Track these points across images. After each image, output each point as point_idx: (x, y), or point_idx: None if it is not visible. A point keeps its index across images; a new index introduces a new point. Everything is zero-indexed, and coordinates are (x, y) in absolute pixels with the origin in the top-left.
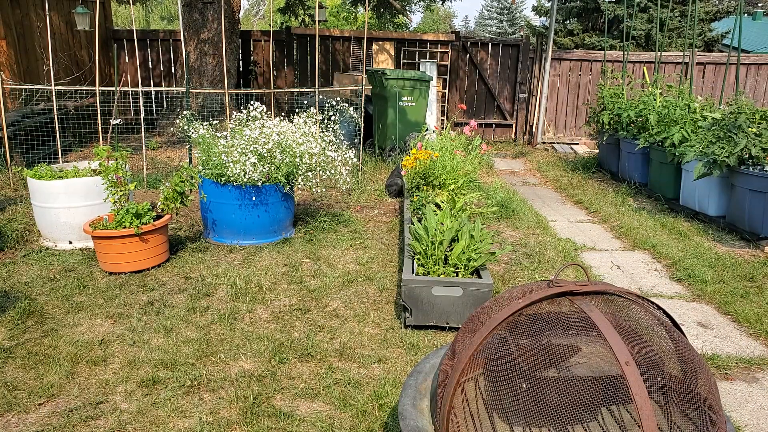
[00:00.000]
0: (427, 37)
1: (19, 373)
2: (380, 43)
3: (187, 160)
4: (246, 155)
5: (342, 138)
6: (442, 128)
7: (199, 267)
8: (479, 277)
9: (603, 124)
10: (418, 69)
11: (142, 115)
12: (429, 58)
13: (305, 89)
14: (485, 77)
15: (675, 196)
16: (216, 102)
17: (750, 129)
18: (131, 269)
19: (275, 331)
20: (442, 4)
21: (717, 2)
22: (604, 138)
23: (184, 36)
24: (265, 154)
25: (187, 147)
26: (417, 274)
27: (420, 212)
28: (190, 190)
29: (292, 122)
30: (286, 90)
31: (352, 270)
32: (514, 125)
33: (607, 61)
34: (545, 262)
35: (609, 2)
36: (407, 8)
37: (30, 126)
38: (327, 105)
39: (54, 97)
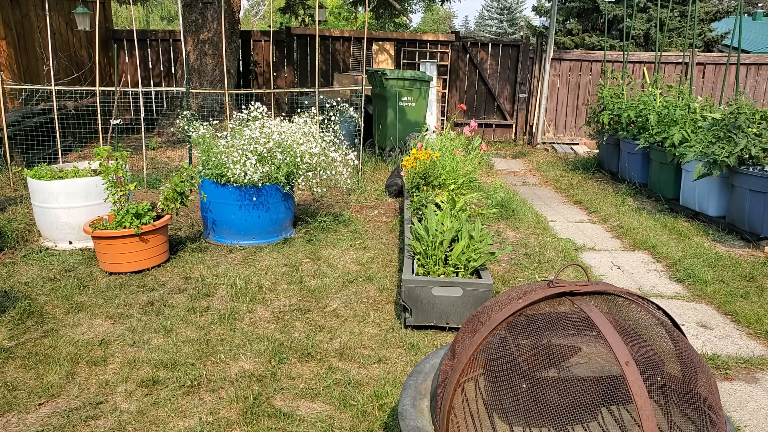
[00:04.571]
0: (427, 37)
1: (19, 373)
2: (380, 43)
3: (187, 160)
4: (246, 155)
5: (342, 138)
6: (442, 128)
7: (199, 267)
8: (479, 277)
9: (603, 125)
10: (418, 69)
11: (142, 115)
12: (429, 59)
13: (305, 89)
14: (485, 77)
15: (675, 197)
16: (216, 102)
17: (750, 129)
18: (131, 269)
19: (275, 331)
20: (442, 4)
21: (717, 2)
22: (604, 138)
23: (184, 36)
24: (266, 155)
25: (187, 147)
26: (417, 274)
27: (420, 212)
28: (190, 191)
29: (292, 122)
30: (286, 90)
31: (352, 270)
32: (514, 125)
33: (607, 61)
34: (545, 262)
35: (609, 2)
36: (407, 8)
37: (30, 126)
38: (327, 105)
39: (54, 97)
